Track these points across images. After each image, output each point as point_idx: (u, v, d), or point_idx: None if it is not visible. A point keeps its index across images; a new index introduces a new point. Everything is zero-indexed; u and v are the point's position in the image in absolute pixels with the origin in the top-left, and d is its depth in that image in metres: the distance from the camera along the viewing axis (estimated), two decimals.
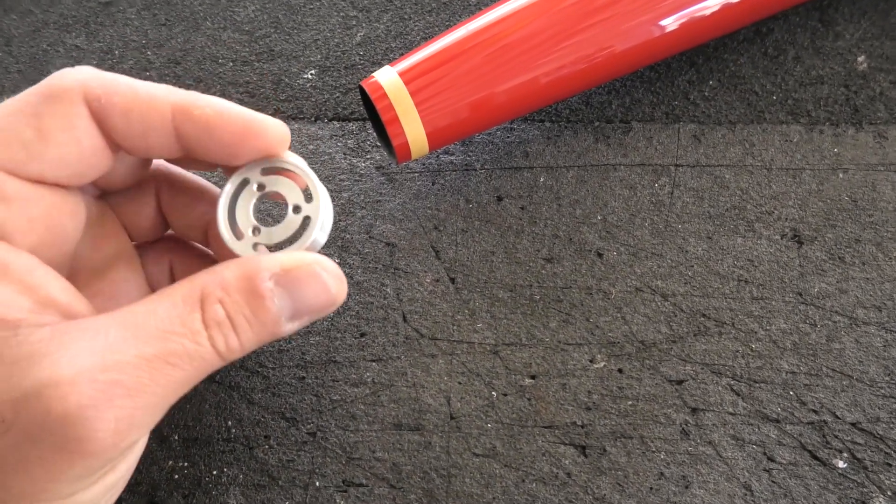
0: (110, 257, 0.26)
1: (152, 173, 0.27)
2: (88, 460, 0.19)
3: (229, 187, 0.24)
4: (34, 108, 0.21)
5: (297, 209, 0.24)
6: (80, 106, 0.22)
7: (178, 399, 0.21)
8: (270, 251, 0.24)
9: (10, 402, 0.18)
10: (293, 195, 0.25)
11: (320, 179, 0.33)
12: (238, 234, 0.24)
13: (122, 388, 0.19)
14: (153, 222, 0.27)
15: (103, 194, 0.26)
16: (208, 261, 0.28)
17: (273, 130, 0.24)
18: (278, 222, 0.24)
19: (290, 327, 0.23)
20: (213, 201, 0.26)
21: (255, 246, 0.24)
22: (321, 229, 0.24)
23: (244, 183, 0.25)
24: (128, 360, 0.19)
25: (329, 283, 0.23)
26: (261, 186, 0.24)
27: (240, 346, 0.22)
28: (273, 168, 0.25)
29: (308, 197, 0.25)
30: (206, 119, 0.23)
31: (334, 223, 0.32)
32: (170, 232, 0.28)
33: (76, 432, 0.19)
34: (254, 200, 0.25)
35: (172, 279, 0.28)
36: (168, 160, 0.26)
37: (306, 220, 0.24)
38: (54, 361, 0.19)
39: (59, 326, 0.19)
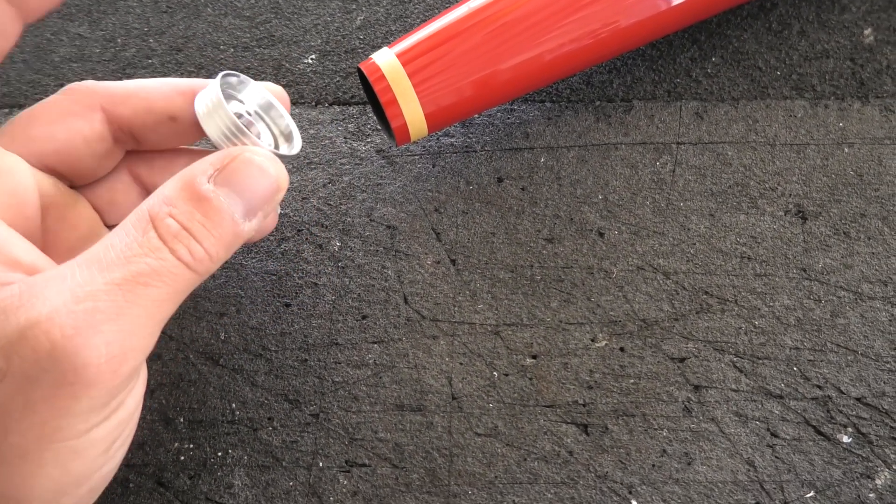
0: (82, 237, 0.26)
1: (126, 158, 0.27)
2: (91, 390, 0.19)
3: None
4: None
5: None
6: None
7: (166, 319, 0.21)
8: None
9: None
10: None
11: (321, 164, 0.33)
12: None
13: (102, 314, 0.19)
14: (130, 199, 0.27)
15: (74, 186, 0.27)
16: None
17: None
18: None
19: (249, 226, 0.23)
20: (189, 158, 0.27)
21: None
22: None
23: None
24: (99, 289, 0.20)
25: (265, 165, 0.23)
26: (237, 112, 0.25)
27: (206, 254, 0.22)
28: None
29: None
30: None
31: (334, 206, 0.32)
32: None
33: (70, 363, 0.19)
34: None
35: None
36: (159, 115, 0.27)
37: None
38: (30, 307, 0.19)
39: (27, 280, 0.20)
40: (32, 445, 0.19)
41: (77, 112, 0.25)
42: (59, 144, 0.24)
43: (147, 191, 0.28)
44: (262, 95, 0.27)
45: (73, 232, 0.26)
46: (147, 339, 0.21)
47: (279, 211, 0.31)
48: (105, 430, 0.21)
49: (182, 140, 0.27)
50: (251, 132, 0.24)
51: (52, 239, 0.25)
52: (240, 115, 0.25)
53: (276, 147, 0.26)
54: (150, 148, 0.27)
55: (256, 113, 0.26)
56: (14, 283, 0.20)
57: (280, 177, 0.24)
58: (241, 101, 0.26)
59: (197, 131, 0.26)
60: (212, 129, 0.24)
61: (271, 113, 0.27)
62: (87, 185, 0.27)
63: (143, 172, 0.27)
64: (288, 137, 0.27)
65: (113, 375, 0.20)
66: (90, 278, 0.20)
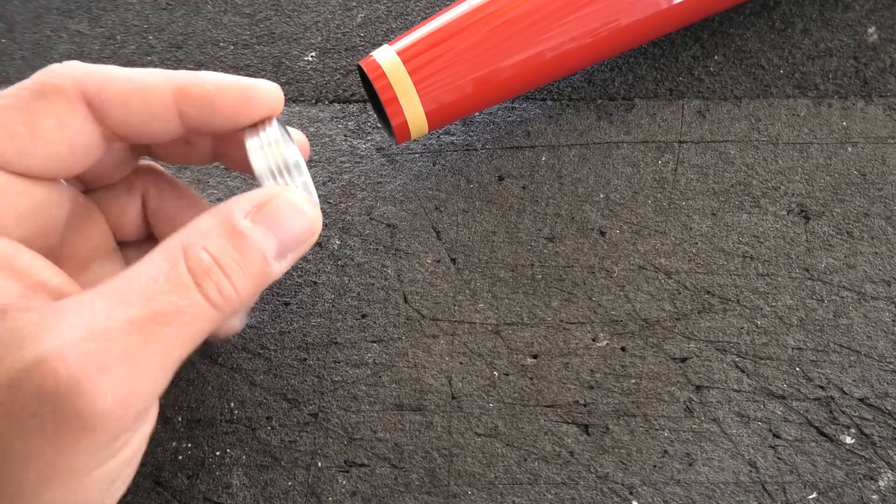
0: (93, 250, 0.26)
1: (141, 173, 0.27)
2: (94, 434, 0.19)
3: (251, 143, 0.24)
4: (26, 103, 0.21)
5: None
6: (76, 102, 0.22)
7: (183, 359, 0.21)
8: None
9: (5, 384, 0.18)
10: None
11: (321, 161, 0.33)
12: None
13: (114, 356, 0.19)
14: (137, 223, 0.27)
15: (88, 189, 0.26)
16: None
17: (268, 92, 0.24)
18: None
19: (279, 267, 0.22)
20: (200, 210, 0.26)
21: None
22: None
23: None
24: (115, 327, 0.19)
25: (303, 206, 0.23)
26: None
27: (235, 293, 0.21)
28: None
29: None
30: (207, 96, 0.23)
31: (334, 204, 0.32)
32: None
33: (74, 406, 0.18)
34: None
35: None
36: (167, 141, 0.26)
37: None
38: (41, 340, 0.18)
39: (46, 308, 0.19)
40: (33, 483, 0.19)
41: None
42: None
43: (147, 215, 0.27)
44: (295, 152, 0.26)
45: (86, 243, 0.25)
46: (159, 381, 0.20)
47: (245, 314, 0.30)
48: (107, 470, 0.20)
49: (173, 139, 0.25)
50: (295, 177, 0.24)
51: (66, 250, 0.24)
52: None
53: None
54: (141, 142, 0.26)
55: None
56: (34, 310, 0.19)
57: (315, 220, 0.23)
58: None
59: (204, 144, 0.26)
60: (261, 163, 0.24)
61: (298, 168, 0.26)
62: (101, 194, 0.26)
63: (150, 198, 0.27)
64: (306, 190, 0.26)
65: (117, 420, 0.19)
66: (108, 312, 0.19)
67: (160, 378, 0.20)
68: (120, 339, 0.19)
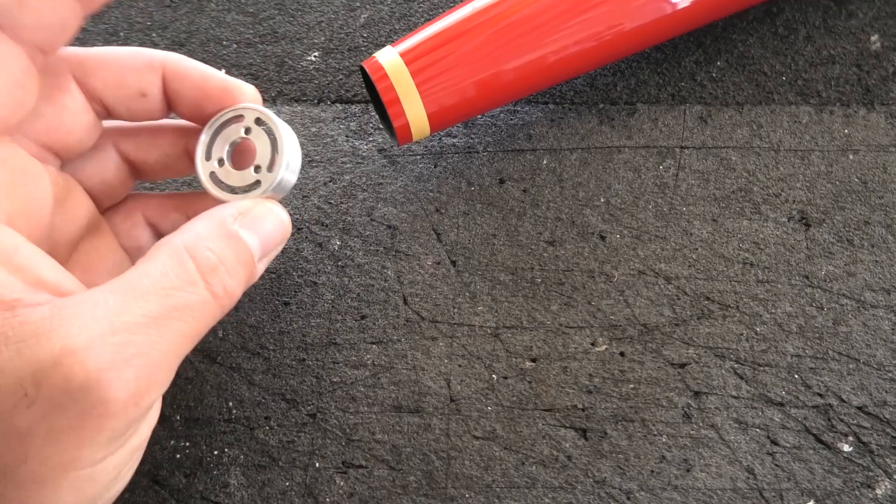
0: (81, 227, 0.26)
1: (105, 129, 0.27)
2: (114, 422, 0.20)
3: (204, 138, 0.26)
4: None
5: (257, 169, 0.26)
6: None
7: (186, 354, 0.22)
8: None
9: (29, 376, 0.19)
10: (262, 149, 0.26)
11: (322, 162, 0.33)
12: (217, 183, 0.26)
13: (135, 348, 0.20)
14: (121, 178, 0.27)
15: (64, 163, 0.26)
16: (182, 200, 0.29)
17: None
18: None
19: (261, 267, 0.25)
20: (173, 133, 0.28)
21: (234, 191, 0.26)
22: (287, 169, 0.26)
23: (216, 135, 0.26)
24: (135, 321, 0.20)
25: (282, 215, 0.25)
26: (233, 143, 0.27)
27: (234, 289, 0.23)
28: (231, 117, 0.26)
29: (274, 146, 0.26)
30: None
31: (335, 204, 0.32)
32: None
33: (99, 395, 0.19)
34: (227, 147, 0.26)
35: (154, 231, 0.29)
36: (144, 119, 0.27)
37: (268, 168, 0.26)
38: (65, 333, 0.19)
39: (57, 303, 0.20)
40: (51, 473, 0.19)
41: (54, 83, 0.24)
42: (48, 122, 0.24)
43: (135, 168, 0.28)
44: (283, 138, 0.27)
45: (72, 224, 0.25)
46: (170, 374, 0.21)
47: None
48: (119, 457, 0.21)
49: (151, 115, 0.26)
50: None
51: (55, 234, 0.25)
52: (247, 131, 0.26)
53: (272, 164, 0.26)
54: (119, 118, 0.26)
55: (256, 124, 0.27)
56: (44, 303, 0.20)
57: (289, 224, 0.26)
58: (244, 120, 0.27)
59: (166, 108, 0.26)
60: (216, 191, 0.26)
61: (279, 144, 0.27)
62: (76, 164, 0.26)
63: (129, 150, 0.27)
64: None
65: (136, 408, 0.20)
66: (125, 307, 0.20)
67: (172, 369, 0.21)
68: (140, 332, 0.20)
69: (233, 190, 0.26)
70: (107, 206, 0.28)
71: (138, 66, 0.25)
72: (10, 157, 0.22)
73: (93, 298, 0.20)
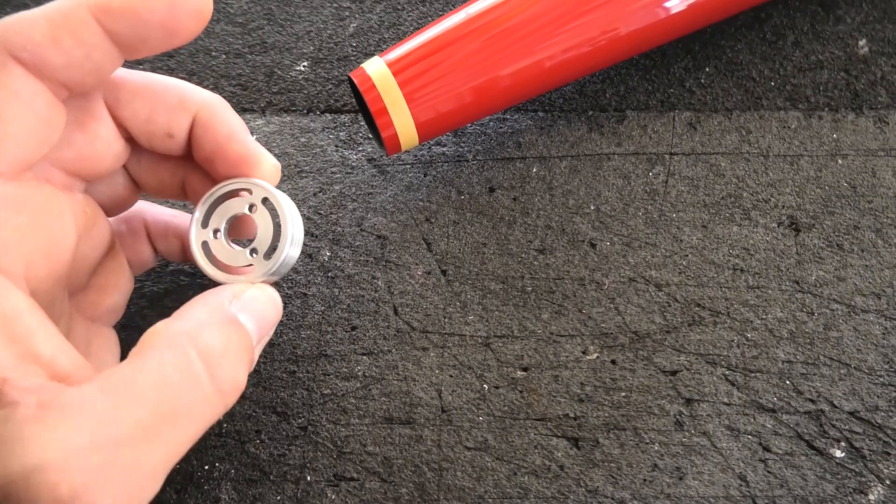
0: (103, 251, 0.25)
1: None
2: None
3: (198, 215, 0.25)
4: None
5: (254, 252, 0.25)
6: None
7: (179, 458, 0.20)
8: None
9: None
10: (264, 233, 0.25)
11: (312, 172, 0.33)
12: (213, 261, 0.25)
13: (119, 466, 0.18)
14: (128, 193, 0.27)
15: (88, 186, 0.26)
16: (183, 224, 0.28)
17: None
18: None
19: (257, 352, 0.23)
20: (175, 163, 0.27)
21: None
22: (283, 263, 0.25)
23: (217, 203, 0.25)
24: (123, 434, 0.18)
25: (274, 295, 0.24)
26: (232, 217, 0.25)
27: (241, 381, 0.21)
28: (239, 189, 0.25)
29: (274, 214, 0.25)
30: (129, 5, 0.21)
31: (324, 215, 0.32)
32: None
33: None
34: (226, 220, 0.25)
35: (149, 241, 0.28)
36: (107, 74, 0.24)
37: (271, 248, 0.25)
38: (43, 444, 0.17)
39: (44, 399, 0.18)
40: None
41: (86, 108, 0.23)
42: (79, 151, 0.23)
43: (133, 180, 0.27)
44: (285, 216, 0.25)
45: (96, 250, 0.25)
46: (157, 484, 0.19)
47: None
48: None
49: (170, 152, 0.26)
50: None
51: (78, 263, 0.24)
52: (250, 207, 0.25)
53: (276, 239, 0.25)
54: (138, 146, 0.26)
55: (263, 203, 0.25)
56: (32, 390, 0.18)
57: (281, 305, 0.25)
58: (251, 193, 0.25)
59: (188, 148, 0.25)
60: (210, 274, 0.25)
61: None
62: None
63: (131, 167, 0.26)
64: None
65: None
66: (115, 414, 0.18)
67: (160, 479, 0.19)
68: (127, 447, 0.18)
69: (225, 268, 0.25)
70: (112, 216, 0.27)
71: (171, 103, 0.24)
72: (31, 197, 0.21)
73: (80, 399, 0.18)
